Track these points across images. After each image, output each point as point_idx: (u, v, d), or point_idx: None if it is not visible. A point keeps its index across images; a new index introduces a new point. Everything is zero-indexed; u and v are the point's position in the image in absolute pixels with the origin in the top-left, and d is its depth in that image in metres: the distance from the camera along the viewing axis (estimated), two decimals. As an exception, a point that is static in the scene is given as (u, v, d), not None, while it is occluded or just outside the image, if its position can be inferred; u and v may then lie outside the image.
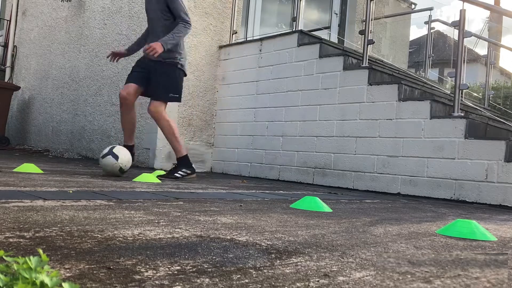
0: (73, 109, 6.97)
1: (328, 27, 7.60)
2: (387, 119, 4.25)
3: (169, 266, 1.00)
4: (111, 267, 0.95)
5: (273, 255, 1.20)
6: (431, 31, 7.53)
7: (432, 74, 8.88)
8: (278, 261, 1.13)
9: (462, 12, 4.13)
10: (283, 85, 5.17)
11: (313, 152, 4.80)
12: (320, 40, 5.06)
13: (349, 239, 1.54)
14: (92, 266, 0.95)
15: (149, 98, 3.96)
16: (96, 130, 6.39)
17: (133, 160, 3.87)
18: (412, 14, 9.02)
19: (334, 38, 7.40)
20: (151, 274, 0.93)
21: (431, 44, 7.58)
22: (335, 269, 1.09)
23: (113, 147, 3.66)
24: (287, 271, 1.04)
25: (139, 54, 4.26)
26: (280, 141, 5.13)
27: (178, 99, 4.00)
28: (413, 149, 4.06)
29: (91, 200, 2.03)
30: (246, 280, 0.93)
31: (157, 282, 0.87)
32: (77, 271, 0.90)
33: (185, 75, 4.07)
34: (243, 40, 5.99)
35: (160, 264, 1.01)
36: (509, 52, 7.66)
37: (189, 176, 3.95)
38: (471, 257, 1.38)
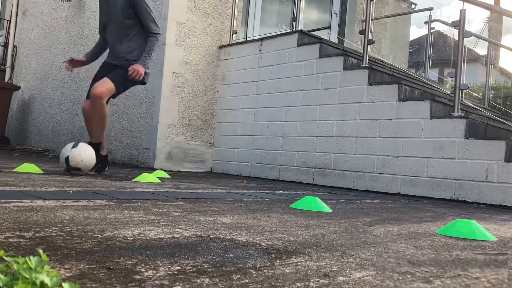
0: (73, 109, 6.97)
1: (328, 27, 7.60)
2: (387, 119, 4.25)
3: (169, 266, 1.00)
4: (111, 267, 0.95)
5: (273, 255, 1.20)
6: (431, 31, 7.53)
7: (432, 74, 8.88)
8: (278, 261, 1.13)
9: (462, 12, 4.13)
10: (283, 85, 5.17)
11: (313, 152, 4.80)
12: (320, 40, 5.06)
13: (349, 239, 1.54)
14: (92, 266, 0.95)
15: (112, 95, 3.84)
16: (96, 130, 6.38)
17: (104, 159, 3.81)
18: (412, 14, 9.02)
19: (334, 38, 7.40)
20: (151, 274, 0.93)
21: (431, 44, 7.58)
22: (335, 269, 1.09)
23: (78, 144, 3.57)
24: (287, 271, 1.04)
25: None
26: (280, 141, 5.13)
27: (114, 96, 3.91)
28: (413, 149, 4.05)
29: (91, 200, 2.03)
30: (246, 280, 0.93)
31: (157, 282, 0.87)
32: (77, 271, 0.90)
33: (144, 83, 3.99)
34: (243, 40, 5.99)
35: (160, 264, 1.01)
36: (509, 52, 7.66)
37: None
38: (471, 257, 1.38)
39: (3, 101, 7.42)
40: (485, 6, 4.66)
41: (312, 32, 5.53)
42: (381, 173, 4.25)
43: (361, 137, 4.42)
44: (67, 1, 7.19)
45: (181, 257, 1.09)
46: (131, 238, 1.27)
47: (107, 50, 4.09)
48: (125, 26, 3.79)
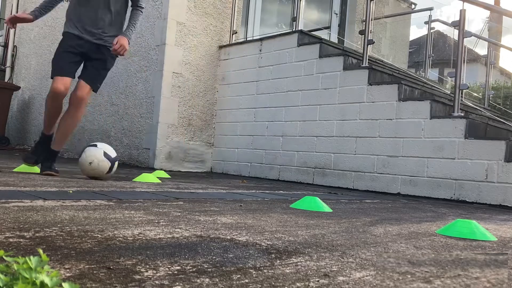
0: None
1: (328, 27, 7.60)
2: (387, 119, 4.25)
3: (169, 266, 1.00)
4: (111, 267, 0.95)
5: (273, 255, 1.20)
6: (431, 31, 7.53)
7: (432, 74, 8.87)
8: (278, 261, 1.13)
9: (462, 12, 4.13)
10: (283, 85, 5.17)
11: (313, 152, 4.80)
12: (320, 40, 5.06)
13: (349, 239, 1.54)
14: (92, 266, 0.95)
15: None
16: (96, 130, 6.39)
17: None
18: (412, 14, 9.02)
19: (334, 38, 7.40)
20: (151, 274, 0.93)
21: (431, 44, 7.58)
22: (335, 269, 1.09)
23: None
24: (287, 271, 1.04)
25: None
26: (280, 141, 5.13)
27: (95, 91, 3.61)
28: (413, 149, 4.05)
29: (91, 200, 2.03)
30: (246, 280, 0.93)
31: (157, 282, 0.87)
32: (77, 271, 0.90)
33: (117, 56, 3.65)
34: (243, 40, 5.99)
35: (160, 264, 1.01)
36: (509, 52, 7.66)
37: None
38: (471, 257, 1.38)
39: (3, 101, 7.42)
40: (485, 6, 4.66)
41: (312, 32, 5.53)
42: (381, 173, 4.25)
43: (361, 137, 4.42)
44: (67, 1, 7.19)
45: (181, 257, 1.09)
46: (131, 238, 1.27)
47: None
48: None
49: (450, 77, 4.35)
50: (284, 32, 5.54)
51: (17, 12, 8.81)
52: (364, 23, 5.29)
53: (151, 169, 4.88)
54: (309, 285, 0.93)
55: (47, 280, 0.66)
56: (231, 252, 1.19)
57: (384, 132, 4.26)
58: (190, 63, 5.56)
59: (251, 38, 6.06)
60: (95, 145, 3.27)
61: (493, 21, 19.03)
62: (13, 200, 1.83)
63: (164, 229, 1.45)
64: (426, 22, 7.42)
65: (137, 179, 3.37)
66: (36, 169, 3.41)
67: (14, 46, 8.81)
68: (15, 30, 8.81)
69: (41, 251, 0.75)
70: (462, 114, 3.99)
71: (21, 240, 1.14)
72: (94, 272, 0.91)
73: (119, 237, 1.28)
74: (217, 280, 0.92)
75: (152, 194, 2.49)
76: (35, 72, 8.13)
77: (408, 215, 2.46)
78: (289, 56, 5.15)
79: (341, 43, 7.04)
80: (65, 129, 3.39)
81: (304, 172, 4.86)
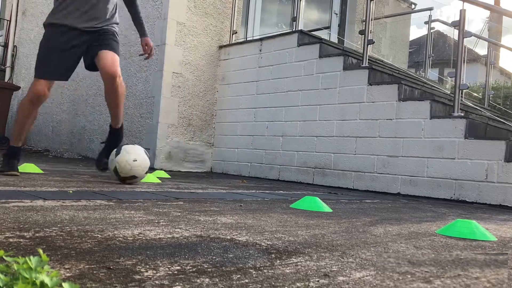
0: (73, 109, 6.97)
1: (328, 27, 7.60)
2: (387, 119, 4.25)
3: (169, 266, 1.00)
4: (111, 267, 0.95)
5: (273, 255, 1.20)
6: (431, 31, 7.53)
7: (432, 74, 8.88)
8: (278, 261, 1.13)
9: (462, 12, 4.13)
10: (283, 85, 5.17)
11: (313, 152, 4.80)
12: (320, 40, 5.06)
13: (349, 239, 1.54)
14: (92, 266, 0.95)
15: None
16: (96, 130, 6.39)
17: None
18: (412, 14, 9.02)
19: (334, 38, 7.40)
20: (151, 274, 0.93)
21: (431, 44, 7.57)
22: (335, 269, 1.09)
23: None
24: (287, 271, 1.04)
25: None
26: (280, 141, 5.13)
27: None
28: (413, 149, 4.05)
29: (91, 200, 2.03)
30: (246, 280, 0.93)
31: (157, 282, 0.87)
32: (77, 271, 0.90)
33: None
34: (243, 40, 5.99)
35: (160, 264, 1.01)
36: (509, 52, 7.66)
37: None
38: (471, 257, 1.38)
39: (3, 101, 7.42)
40: (485, 6, 4.66)
41: (312, 32, 5.53)
42: (381, 173, 4.25)
43: (361, 137, 4.42)
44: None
45: (181, 257, 1.09)
46: (131, 238, 1.27)
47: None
48: None
49: (450, 77, 4.35)
50: (284, 32, 5.54)
51: (17, 12, 8.81)
52: (364, 23, 5.29)
53: (151, 169, 4.87)
54: (309, 285, 0.93)
55: (47, 280, 0.66)
56: (231, 252, 1.19)
57: (384, 132, 4.26)
58: (190, 63, 5.56)
59: (251, 38, 6.06)
60: (126, 145, 3.11)
61: (493, 21, 19.03)
62: (13, 200, 1.83)
63: (164, 229, 1.45)
64: (426, 22, 7.42)
65: (137, 179, 3.36)
66: (36, 169, 3.41)
67: (14, 46, 8.81)
68: (15, 30, 8.82)
69: (41, 251, 0.75)
70: (462, 114, 3.99)
71: (21, 240, 1.14)
72: (94, 272, 0.91)
73: (119, 237, 1.28)
74: (217, 280, 0.92)
75: (152, 194, 2.49)
76: (35, 72, 8.13)
77: (408, 215, 2.46)
78: (289, 56, 5.15)
79: (341, 43, 7.04)
80: (115, 105, 3.10)
81: (304, 172, 4.86)
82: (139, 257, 1.06)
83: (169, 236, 1.35)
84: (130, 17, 3.36)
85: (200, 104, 5.70)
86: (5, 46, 8.89)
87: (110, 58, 2.99)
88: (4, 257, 0.74)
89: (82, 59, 3.12)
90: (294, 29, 5.26)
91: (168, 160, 5.39)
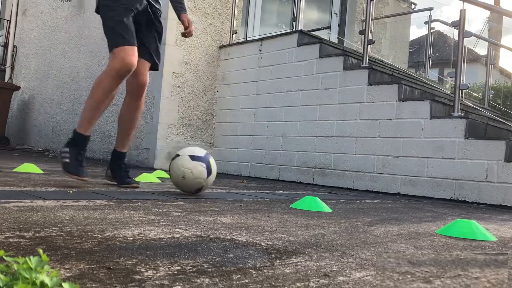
0: (73, 109, 6.97)
1: (328, 27, 7.60)
2: (387, 119, 4.25)
3: (169, 266, 1.00)
4: (111, 267, 0.95)
5: (273, 255, 1.20)
6: (431, 31, 7.54)
7: (432, 74, 8.88)
8: (278, 261, 1.13)
9: (462, 12, 4.13)
10: (283, 85, 5.17)
11: (313, 152, 4.80)
12: (320, 40, 5.06)
13: (349, 239, 1.54)
14: (92, 266, 0.95)
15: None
16: (96, 130, 6.39)
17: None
18: (412, 14, 9.02)
19: (334, 38, 7.40)
20: (151, 274, 0.93)
21: (431, 44, 7.58)
22: (335, 269, 1.09)
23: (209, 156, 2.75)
24: (287, 271, 1.04)
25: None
26: (280, 141, 5.13)
27: None
28: (413, 149, 4.05)
29: (91, 200, 2.03)
30: (246, 280, 0.93)
31: (157, 282, 0.87)
32: (77, 271, 0.90)
33: None
34: (243, 40, 5.99)
35: (160, 264, 1.01)
36: (509, 52, 7.66)
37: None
38: (471, 257, 1.38)
39: (3, 101, 7.42)
40: (485, 6, 4.66)
41: (312, 32, 5.53)
42: (381, 173, 4.25)
43: (361, 137, 4.42)
44: (67, 1, 7.19)
45: (181, 257, 1.09)
46: (131, 238, 1.27)
47: None
48: None
49: (450, 77, 4.35)
50: (284, 32, 5.54)
51: (17, 12, 8.81)
52: (364, 23, 5.29)
53: (151, 169, 4.87)
54: (309, 285, 0.93)
55: (47, 280, 0.67)
56: (231, 252, 1.19)
57: (384, 132, 4.26)
58: (190, 63, 5.56)
59: (251, 38, 6.06)
60: (177, 155, 2.68)
61: (493, 21, 19.03)
62: (13, 200, 1.83)
63: (164, 229, 1.45)
64: (426, 22, 7.42)
65: (137, 179, 3.36)
66: (36, 169, 3.41)
67: (14, 46, 8.81)
68: (15, 30, 8.81)
69: (41, 251, 0.75)
70: (462, 114, 3.99)
71: (21, 240, 1.14)
72: (94, 272, 0.91)
73: (119, 237, 1.28)
74: (217, 280, 0.92)
75: (152, 194, 2.49)
76: (35, 72, 8.13)
77: (408, 215, 2.46)
78: (289, 56, 5.15)
79: (341, 43, 7.04)
80: (131, 126, 2.84)
81: (304, 172, 4.86)
82: (139, 257, 1.06)
83: (169, 236, 1.35)
84: None
85: (200, 104, 5.70)
86: (5, 46, 8.89)
87: (147, 68, 2.76)
88: (4, 257, 0.74)
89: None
90: (294, 29, 5.26)
91: (168, 160, 5.38)
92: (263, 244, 1.33)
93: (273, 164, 5.16)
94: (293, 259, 1.17)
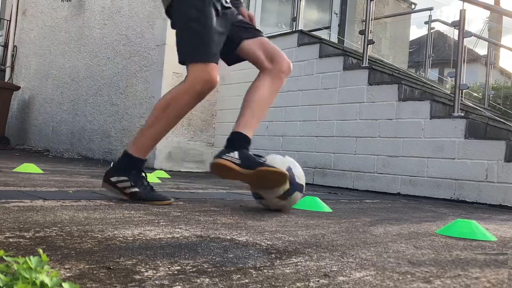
0: (73, 109, 6.97)
1: (328, 27, 7.60)
2: (387, 119, 4.25)
3: (169, 266, 1.00)
4: (111, 267, 0.95)
5: (273, 255, 1.20)
6: (431, 31, 7.54)
7: (432, 74, 8.88)
8: (278, 261, 1.13)
9: (462, 12, 4.13)
10: (283, 85, 5.16)
11: (313, 152, 4.80)
12: (320, 40, 5.06)
13: (349, 239, 1.54)
14: (92, 266, 0.95)
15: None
16: (96, 130, 6.39)
17: None
18: (412, 14, 9.03)
19: (334, 38, 7.40)
20: (151, 274, 0.93)
21: (431, 44, 7.58)
22: (335, 269, 1.09)
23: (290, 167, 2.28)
24: (287, 271, 1.04)
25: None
26: (280, 141, 5.13)
27: None
28: (413, 149, 4.05)
29: (91, 200, 2.03)
30: (246, 280, 0.93)
31: (157, 282, 0.87)
32: (77, 271, 0.90)
33: None
34: (243, 40, 5.98)
35: (160, 264, 1.01)
36: (509, 52, 7.66)
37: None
38: (471, 257, 1.38)
39: (3, 101, 7.42)
40: (485, 6, 4.66)
41: (312, 32, 5.53)
42: (381, 173, 4.25)
43: (361, 137, 4.42)
44: (67, 1, 7.19)
45: (181, 257, 1.09)
46: (131, 238, 1.27)
47: None
48: None
49: (450, 77, 4.35)
50: (284, 32, 5.54)
51: (17, 12, 8.81)
52: (364, 23, 5.29)
53: (151, 169, 4.87)
54: (309, 285, 0.93)
55: (47, 280, 0.66)
56: (231, 252, 1.18)
57: (384, 132, 4.26)
58: (190, 63, 5.55)
59: (251, 38, 6.05)
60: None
61: (493, 21, 19.03)
62: (13, 200, 1.83)
63: (164, 229, 1.45)
64: (426, 22, 7.42)
65: (137, 179, 3.36)
66: (36, 169, 3.41)
67: (14, 46, 8.82)
68: (15, 30, 8.82)
69: (41, 251, 0.75)
70: (462, 114, 3.99)
71: (21, 240, 1.14)
72: (94, 272, 0.91)
73: (119, 237, 1.28)
74: (217, 280, 0.92)
75: (152, 194, 2.48)
76: (35, 72, 8.14)
77: (408, 215, 2.46)
78: (289, 56, 5.13)
79: (341, 43, 7.04)
80: (264, 103, 2.49)
81: (304, 172, 4.85)
82: (139, 257, 1.06)
83: (169, 236, 1.34)
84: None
85: (200, 104, 5.67)
86: (5, 46, 8.89)
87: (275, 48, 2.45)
88: (4, 257, 0.74)
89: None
90: (294, 29, 5.26)
91: (168, 160, 5.39)
92: (263, 244, 1.33)
93: (273, 164, 5.16)
94: (293, 259, 1.17)
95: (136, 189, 2.09)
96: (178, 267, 0.99)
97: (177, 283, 0.87)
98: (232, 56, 2.45)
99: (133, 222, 1.54)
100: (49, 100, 7.64)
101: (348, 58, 4.69)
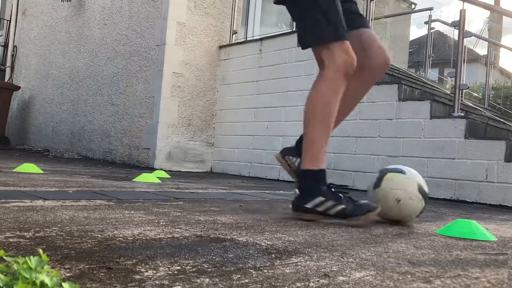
0: (73, 109, 6.97)
1: (328, 27, 7.58)
2: (387, 119, 4.25)
3: (169, 266, 1.00)
4: (111, 267, 0.95)
5: (273, 255, 1.20)
6: (431, 31, 7.53)
7: (432, 74, 8.88)
8: (278, 261, 1.13)
9: (462, 12, 4.13)
10: (283, 85, 5.17)
11: (313, 152, 4.80)
12: (320, 40, 5.05)
13: (349, 239, 1.54)
14: (92, 266, 0.95)
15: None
16: (96, 130, 6.39)
17: None
18: (412, 14, 9.03)
19: (334, 38, 7.38)
20: (151, 274, 0.93)
21: (431, 44, 7.58)
22: (335, 269, 1.09)
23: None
24: (287, 271, 1.04)
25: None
26: (280, 141, 5.13)
27: None
28: (413, 149, 4.05)
29: (91, 200, 2.03)
30: (246, 280, 0.93)
31: (157, 282, 0.87)
32: (77, 271, 0.90)
33: None
34: (243, 40, 5.99)
35: (160, 264, 1.01)
36: (509, 52, 7.66)
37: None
38: (471, 257, 1.38)
39: (3, 101, 7.43)
40: (485, 6, 4.66)
41: (312, 32, 5.52)
42: (381, 173, 4.25)
43: (361, 137, 4.41)
44: (67, 1, 7.19)
45: (181, 257, 1.09)
46: (131, 238, 1.27)
47: None
48: None
49: (450, 77, 4.35)
50: (284, 32, 5.54)
51: (17, 12, 8.81)
52: (364, 23, 5.28)
53: (151, 169, 4.87)
54: (309, 285, 0.93)
55: (47, 280, 0.66)
56: (231, 252, 1.18)
57: (384, 132, 4.26)
58: (190, 63, 5.55)
59: (251, 38, 6.06)
60: (402, 172, 2.24)
61: (493, 21, 19.03)
62: (13, 200, 1.83)
63: (164, 229, 1.45)
64: (426, 22, 7.42)
65: (137, 179, 3.37)
66: (36, 169, 3.41)
67: (14, 46, 8.82)
68: (15, 30, 8.81)
69: (41, 251, 0.75)
70: (462, 114, 3.99)
71: (21, 240, 1.14)
72: (94, 272, 0.91)
73: (119, 237, 1.28)
74: (217, 280, 0.92)
75: (152, 194, 2.49)
76: (35, 72, 8.14)
77: (408, 215, 2.46)
78: (289, 56, 5.15)
79: (341, 43, 7.03)
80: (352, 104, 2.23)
81: (304, 172, 4.86)
82: (139, 257, 1.06)
83: (169, 236, 1.34)
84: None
85: (200, 104, 5.70)
86: (5, 46, 8.89)
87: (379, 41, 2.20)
88: (4, 257, 0.74)
89: None
90: (294, 29, 5.26)
91: (168, 160, 5.39)
92: (263, 244, 1.33)
93: (273, 164, 5.16)
94: (293, 259, 1.17)
95: (342, 206, 1.88)
96: (178, 267, 0.99)
97: (177, 283, 0.87)
98: None
99: (133, 222, 1.54)
100: (49, 100, 7.64)
101: (348, 58, 4.69)
